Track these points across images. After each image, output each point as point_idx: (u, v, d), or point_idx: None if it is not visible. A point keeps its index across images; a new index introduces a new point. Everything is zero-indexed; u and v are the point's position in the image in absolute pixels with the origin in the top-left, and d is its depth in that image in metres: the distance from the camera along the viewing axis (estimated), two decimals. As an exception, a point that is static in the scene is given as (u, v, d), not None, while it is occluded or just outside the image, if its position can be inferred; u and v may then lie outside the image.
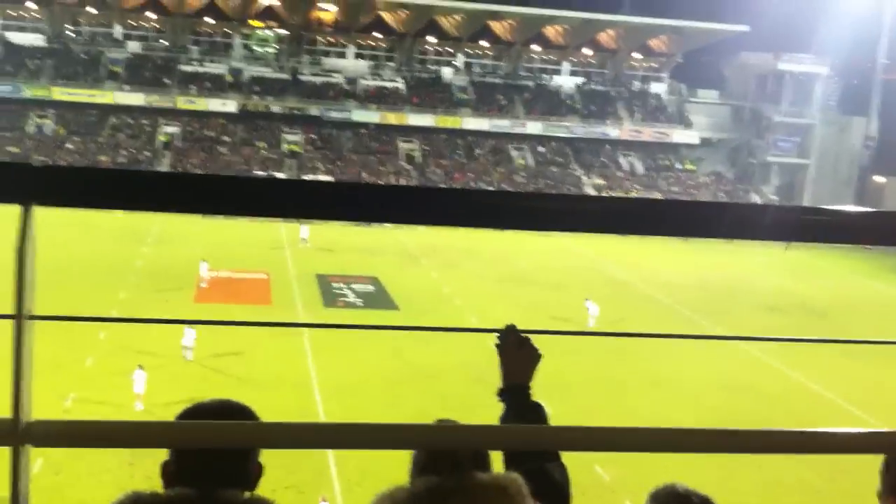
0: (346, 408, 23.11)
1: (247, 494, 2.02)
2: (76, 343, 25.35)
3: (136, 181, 1.49)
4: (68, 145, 63.76)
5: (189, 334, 26.65)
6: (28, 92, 66.75)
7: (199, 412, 2.10)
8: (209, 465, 1.97)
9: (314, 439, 1.62)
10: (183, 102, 68.95)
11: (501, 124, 74.01)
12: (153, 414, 21.45)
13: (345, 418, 22.33)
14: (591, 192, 67.73)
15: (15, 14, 71.94)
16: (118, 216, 50.52)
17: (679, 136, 76.76)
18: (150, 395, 22.15)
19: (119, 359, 24.96)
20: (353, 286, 39.41)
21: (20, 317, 1.47)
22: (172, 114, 68.78)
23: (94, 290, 33.12)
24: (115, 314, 29.72)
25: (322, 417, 22.21)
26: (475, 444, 1.95)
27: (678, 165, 75.91)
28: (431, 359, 28.25)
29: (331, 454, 20.47)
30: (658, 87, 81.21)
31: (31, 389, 1.52)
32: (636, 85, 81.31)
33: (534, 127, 74.47)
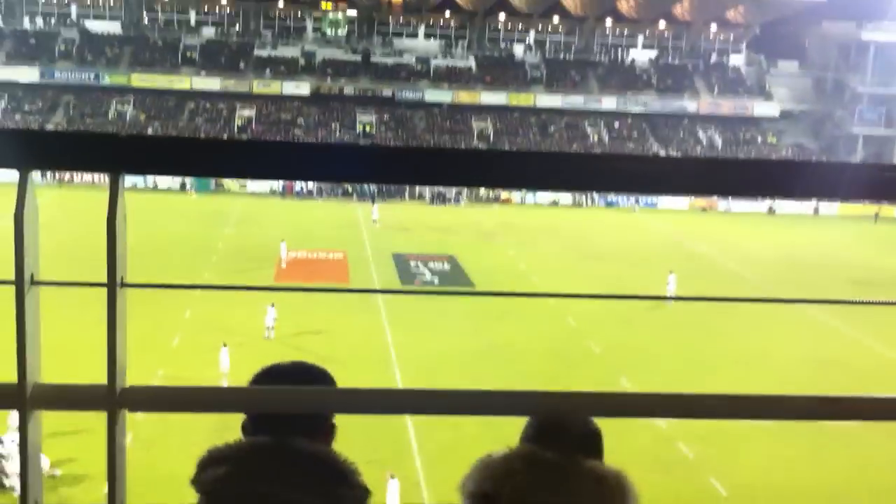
0: (426, 384, 23.26)
1: None
2: (164, 323, 26.12)
3: (213, 148, 1.50)
4: (149, 130, 65.38)
5: (271, 314, 27.21)
6: (108, 79, 68.53)
7: (275, 373, 2.14)
8: (284, 416, 2.02)
9: (388, 404, 1.63)
10: (258, 86, 69.96)
11: (575, 101, 73.07)
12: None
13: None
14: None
15: (92, 3, 73.80)
16: (200, 200, 51.71)
17: (759, 108, 74.72)
18: (235, 373, 22.67)
19: (204, 337, 25.63)
20: (430, 265, 39.58)
21: (114, 285, 1.50)
22: (248, 98, 69.83)
23: (179, 270, 33.96)
24: (201, 293, 30.47)
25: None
26: (551, 410, 1.94)
27: (759, 139, 73.99)
28: (509, 335, 28.26)
29: (412, 430, 20.70)
30: (736, 60, 79.11)
31: (125, 356, 1.56)
32: (713, 57, 79.39)
33: (609, 102, 73.33)
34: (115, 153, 1.44)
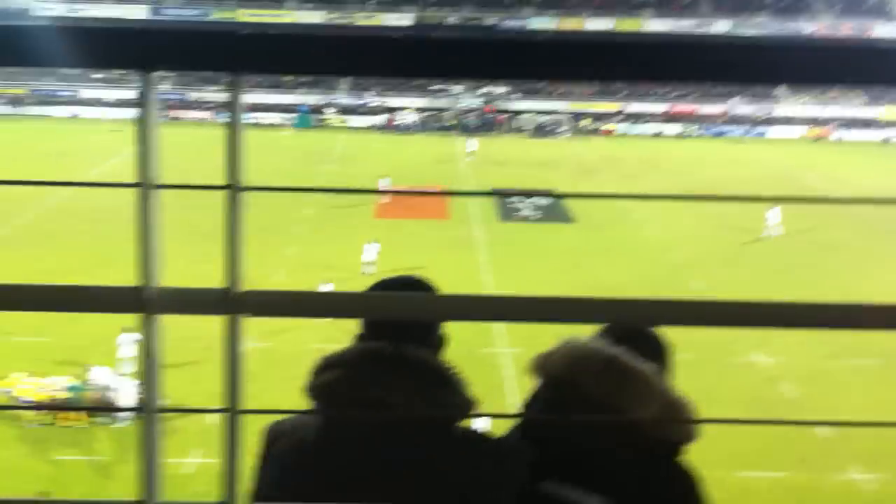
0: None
1: None
2: (267, 260, 26.77)
3: (337, 42, 1.45)
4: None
5: (370, 250, 27.57)
6: (215, 15, 69.57)
7: (386, 285, 2.22)
8: (391, 326, 2.05)
9: (494, 311, 1.59)
10: (361, 18, 69.95)
11: (686, 25, 70.47)
12: (340, 326, 22.44)
13: (523, 332, 22.57)
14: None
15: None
16: (298, 136, 52.37)
17: (881, 29, 70.79)
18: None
19: (306, 274, 26.13)
20: (530, 199, 39.34)
21: (233, 187, 1.49)
22: (351, 30, 70.03)
23: (281, 206, 34.65)
24: (301, 229, 31.10)
25: (500, 331, 22.53)
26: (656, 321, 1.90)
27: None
28: (610, 274, 27.96)
29: (510, 370, 20.83)
30: (857, -22, 74.94)
31: (244, 260, 1.55)
32: (832, -24, 75.28)
33: (722, 25, 70.50)
34: (236, 51, 1.41)
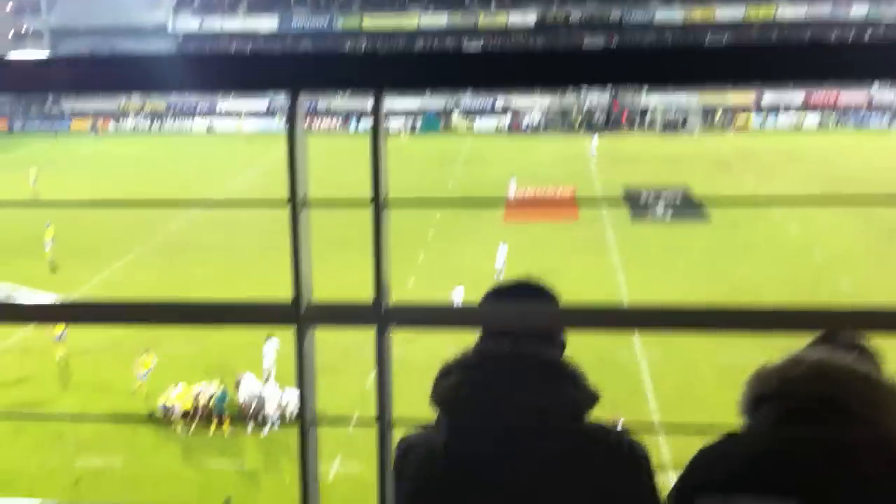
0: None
1: None
2: (396, 266, 27.05)
3: (479, 60, 1.47)
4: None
5: (501, 256, 27.63)
6: (342, 23, 71.34)
7: (504, 290, 2.28)
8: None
9: (615, 321, 1.56)
10: (484, 19, 70.23)
11: (821, 10, 67.40)
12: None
13: (655, 338, 22.12)
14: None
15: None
16: (421, 141, 52.99)
17: None
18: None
19: (436, 280, 26.40)
20: (662, 197, 38.52)
21: (378, 204, 1.52)
22: (474, 32, 70.30)
23: (410, 212, 35.07)
24: (431, 234, 31.46)
25: (635, 336, 22.13)
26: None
27: None
28: (751, 274, 27.06)
29: (647, 374, 20.45)
30: None
31: (389, 274, 1.59)
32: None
33: (859, 10, 67.08)
34: (378, 70, 1.45)
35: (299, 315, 1.54)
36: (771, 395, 2.01)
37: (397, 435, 1.59)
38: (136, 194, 38.76)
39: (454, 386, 2.11)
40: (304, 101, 1.51)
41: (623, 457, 2.05)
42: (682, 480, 2.04)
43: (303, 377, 1.56)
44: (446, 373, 2.16)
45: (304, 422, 1.55)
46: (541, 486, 1.97)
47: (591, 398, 2.10)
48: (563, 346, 2.23)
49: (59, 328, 21.94)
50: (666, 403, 19.03)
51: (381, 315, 1.54)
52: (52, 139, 57.88)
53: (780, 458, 1.90)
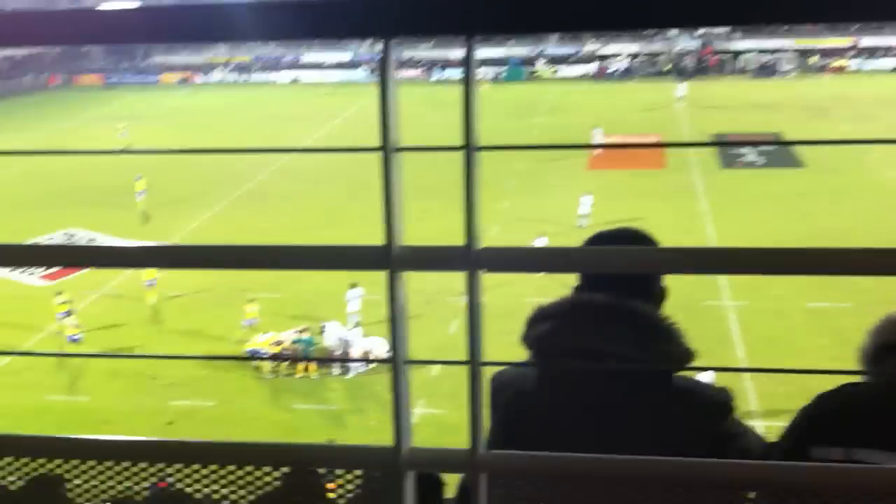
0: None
1: None
2: (481, 214, 27.05)
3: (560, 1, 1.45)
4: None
5: (585, 203, 27.33)
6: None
7: (604, 238, 2.26)
8: (612, 279, 2.03)
9: (712, 264, 1.55)
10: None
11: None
12: (556, 280, 22.58)
13: (754, 282, 21.70)
14: None
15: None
16: (505, 89, 52.47)
17: None
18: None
19: (519, 228, 26.29)
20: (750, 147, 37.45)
21: (470, 147, 1.53)
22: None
23: (493, 160, 34.79)
24: (513, 183, 31.26)
25: (721, 282, 21.78)
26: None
27: None
28: (844, 220, 26.22)
29: (735, 322, 20.14)
30: None
31: (480, 218, 1.60)
32: None
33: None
34: (469, 16, 1.45)
35: (391, 259, 1.56)
36: (881, 351, 1.97)
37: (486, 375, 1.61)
38: (223, 144, 39.53)
39: (548, 332, 2.12)
40: (396, 48, 1.53)
41: (711, 409, 2.03)
42: (796, 428, 2.01)
43: (395, 319, 1.59)
44: (540, 318, 2.16)
45: (397, 361, 1.59)
46: (625, 435, 1.96)
47: (685, 355, 2.08)
48: (661, 299, 2.21)
49: (150, 275, 22.79)
50: (754, 350, 18.73)
51: (471, 259, 1.55)
52: (143, 93, 59.29)
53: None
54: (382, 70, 1.51)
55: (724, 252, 1.51)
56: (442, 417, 15.55)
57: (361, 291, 20.72)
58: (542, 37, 64.31)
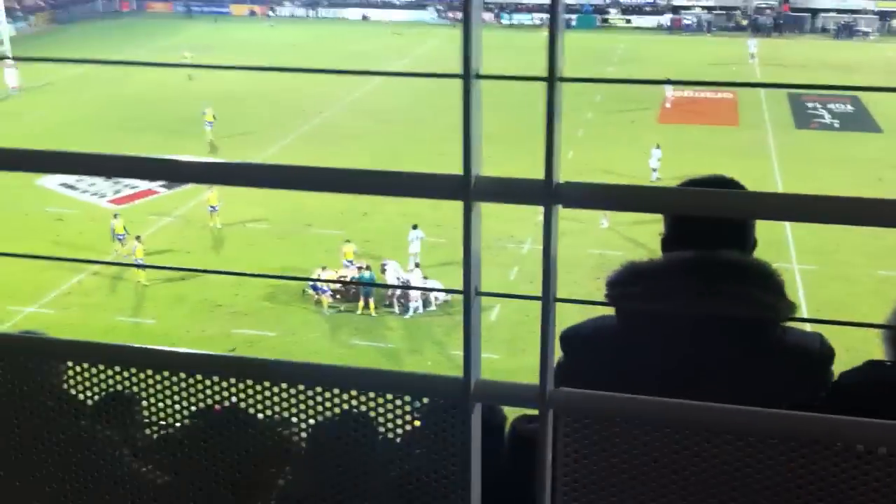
0: (818, 235, 21.80)
1: None
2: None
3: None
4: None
5: (655, 155, 26.88)
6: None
7: (695, 185, 2.08)
8: (704, 230, 1.96)
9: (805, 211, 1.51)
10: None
11: None
12: (620, 233, 22.45)
13: (820, 247, 21.27)
14: None
15: None
16: (583, 37, 51.54)
17: None
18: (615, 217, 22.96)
19: (586, 179, 25.89)
20: (830, 106, 36.33)
21: (552, 78, 1.50)
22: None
23: (566, 110, 34.28)
24: (581, 133, 30.82)
25: (791, 240, 21.39)
26: None
27: None
28: (919, 187, 25.45)
29: (800, 283, 19.80)
30: None
31: (559, 152, 1.57)
32: None
33: None
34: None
35: (469, 189, 1.54)
36: None
37: (559, 313, 1.59)
38: (290, 80, 39.65)
39: (639, 295, 2.02)
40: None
41: (814, 367, 1.98)
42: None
43: (469, 249, 1.58)
44: (636, 276, 2.05)
45: (469, 291, 1.58)
46: (720, 387, 1.79)
47: (788, 308, 1.99)
48: (753, 250, 2.13)
49: (214, 200, 23.33)
50: (818, 315, 18.42)
51: (550, 193, 1.53)
52: (212, 24, 59.51)
53: None
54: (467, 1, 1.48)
55: (820, 200, 1.46)
56: (496, 363, 15.64)
57: (422, 234, 20.82)
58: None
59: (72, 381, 1.82)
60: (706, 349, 1.91)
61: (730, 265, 1.99)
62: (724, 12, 58.68)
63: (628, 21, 59.53)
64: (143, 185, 26.76)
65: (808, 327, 2.11)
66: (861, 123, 33.91)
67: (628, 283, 2.05)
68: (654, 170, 26.59)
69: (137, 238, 21.33)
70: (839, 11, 56.34)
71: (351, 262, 20.75)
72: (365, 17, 62.61)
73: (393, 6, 63.59)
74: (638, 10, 60.54)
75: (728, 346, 1.93)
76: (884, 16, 55.72)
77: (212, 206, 23.73)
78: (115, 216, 22.65)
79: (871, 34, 54.24)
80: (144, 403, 1.79)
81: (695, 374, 1.83)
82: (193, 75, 40.66)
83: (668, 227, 2.16)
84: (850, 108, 36.17)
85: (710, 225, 1.94)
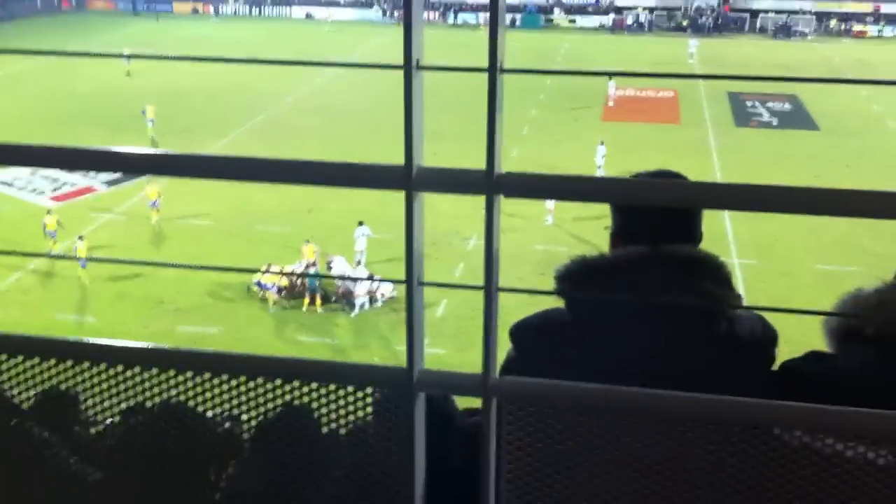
0: (759, 230, 22.25)
1: None
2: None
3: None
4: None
5: (600, 151, 27.19)
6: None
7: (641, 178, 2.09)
8: (654, 224, 1.98)
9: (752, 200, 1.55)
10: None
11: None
12: (565, 229, 22.63)
13: (760, 242, 21.67)
14: None
15: None
16: (527, 38, 51.90)
17: None
18: (560, 210, 23.14)
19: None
20: (769, 104, 37.08)
21: (494, 70, 1.51)
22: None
23: (506, 106, 34.55)
24: (526, 131, 31.08)
25: (731, 236, 21.73)
26: None
27: None
28: (852, 184, 26.04)
29: (741, 280, 20.14)
30: None
31: (501, 143, 1.58)
32: None
33: None
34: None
35: (411, 179, 1.55)
36: (857, 324, 1.96)
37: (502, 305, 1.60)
38: (233, 77, 39.21)
39: (593, 288, 2.01)
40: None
41: (760, 343, 2.01)
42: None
43: (412, 240, 1.58)
44: (584, 273, 2.05)
45: (411, 282, 1.58)
46: (663, 375, 1.77)
47: (735, 298, 2.02)
48: (700, 240, 2.13)
49: (153, 196, 23.04)
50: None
51: (492, 183, 1.53)
52: (154, 21, 58.57)
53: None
54: (408, -11, 1.48)
55: (763, 189, 1.49)
56: (443, 357, 15.66)
57: (368, 230, 20.73)
58: (562, -17, 63.28)
59: (5, 376, 1.78)
60: (658, 340, 1.93)
61: (684, 260, 2.01)
62: (665, 13, 59.51)
63: (572, 21, 60.02)
64: (82, 182, 26.26)
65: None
66: (799, 121, 34.66)
67: (581, 277, 2.06)
68: (599, 167, 26.87)
69: (80, 237, 20.88)
70: (778, 12, 57.51)
71: (314, 262, 20.51)
72: (309, 16, 62.13)
73: (338, 4, 63.19)
74: (581, 10, 61.08)
75: (679, 337, 1.95)
76: (821, 17, 57.02)
77: (152, 202, 23.40)
78: (48, 212, 22.29)
79: (808, 34, 55.48)
80: (82, 398, 1.76)
81: (648, 365, 1.83)
82: (133, 72, 39.98)
83: (616, 220, 2.17)
84: (788, 106, 36.95)
85: (660, 219, 1.97)
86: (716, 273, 2.02)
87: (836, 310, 2.08)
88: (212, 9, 64.19)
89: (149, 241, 22.76)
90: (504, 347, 2.05)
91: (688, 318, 1.98)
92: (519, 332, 2.14)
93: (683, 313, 1.98)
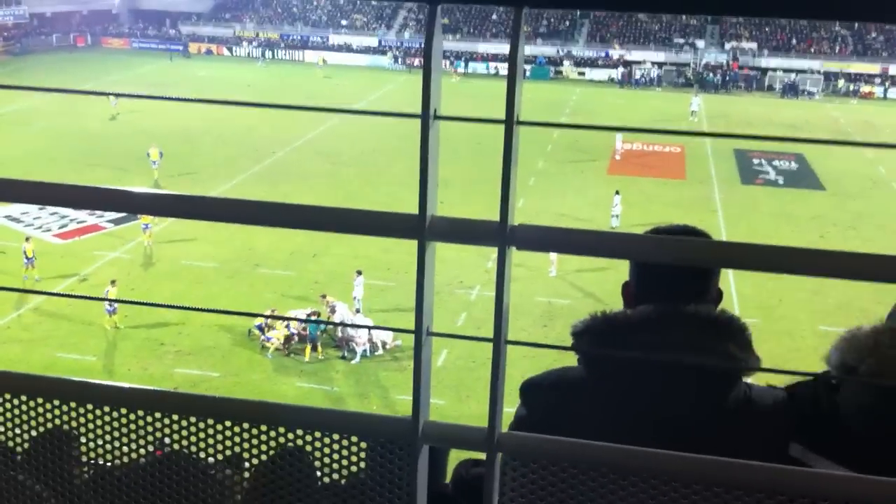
0: (762, 289, 22.17)
1: None
2: (497, 211, 26.93)
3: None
4: None
5: (616, 201, 27.36)
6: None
7: (661, 232, 2.08)
8: (673, 281, 1.96)
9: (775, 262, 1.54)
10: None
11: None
12: (569, 281, 22.59)
13: (763, 302, 21.58)
14: None
15: None
16: (537, 87, 52.32)
17: None
18: (563, 264, 23.12)
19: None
20: (775, 163, 37.23)
21: (511, 122, 1.51)
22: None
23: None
24: (532, 182, 31.19)
25: (734, 295, 21.63)
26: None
27: None
28: (857, 245, 26.06)
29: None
30: None
31: (515, 194, 1.57)
32: None
33: None
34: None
35: (423, 228, 1.54)
36: (852, 363, 1.94)
37: (511, 357, 1.58)
38: (242, 119, 39.52)
39: (614, 346, 1.98)
40: (441, 15, 1.50)
41: (780, 415, 1.98)
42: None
43: (422, 288, 1.56)
44: (605, 329, 2.01)
45: (420, 331, 1.56)
46: (679, 440, 1.72)
47: (754, 361, 1.98)
48: (720, 298, 2.09)
49: (146, 219, 23.32)
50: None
51: (504, 234, 1.53)
52: (167, 61, 59.21)
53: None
54: (427, 35, 1.48)
55: (782, 250, 1.48)
56: (443, 409, 15.55)
57: (363, 280, 20.77)
58: (569, 35, 64.08)
59: (8, 415, 1.76)
60: (678, 402, 1.89)
61: (708, 321, 1.99)
62: (674, 68, 60.04)
63: (581, 73, 60.57)
64: (90, 219, 26.37)
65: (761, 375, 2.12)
66: (805, 181, 34.77)
67: (602, 334, 2.01)
68: (616, 216, 26.90)
69: (112, 282, 20.61)
70: (786, 71, 57.98)
71: (317, 312, 20.28)
72: (322, 61, 62.81)
73: (351, 50, 63.95)
74: (591, 63, 61.67)
75: (699, 399, 1.92)
76: (829, 77, 57.48)
77: (145, 225, 24.11)
78: (27, 240, 22.66)
79: (816, 94, 55.86)
80: (83, 440, 1.74)
81: (665, 426, 1.81)
82: (139, 111, 40.28)
83: (634, 275, 2.13)
84: (794, 165, 37.10)
85: (679, 276, 1.94)
86: (739, 336, 2.00)
87: (834, 348, 2.07)
88: (226, 50, 64.95)
89: (153, 280, 22.77)
90: (510, 401, 2.01)
91: (708, 381, 1.96)
92: (532, 389, 2.09)
93: (704, 375, 1.96)
